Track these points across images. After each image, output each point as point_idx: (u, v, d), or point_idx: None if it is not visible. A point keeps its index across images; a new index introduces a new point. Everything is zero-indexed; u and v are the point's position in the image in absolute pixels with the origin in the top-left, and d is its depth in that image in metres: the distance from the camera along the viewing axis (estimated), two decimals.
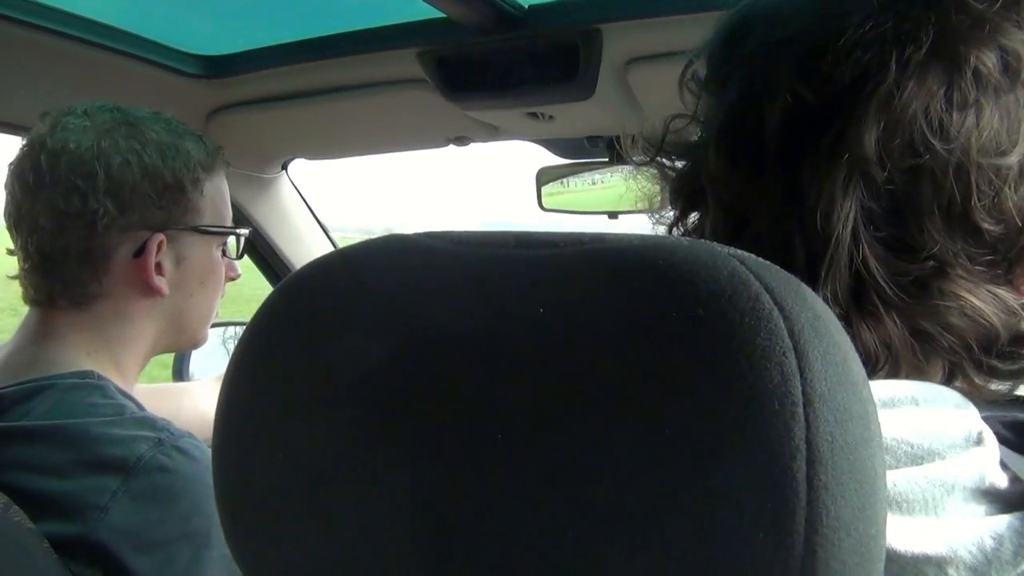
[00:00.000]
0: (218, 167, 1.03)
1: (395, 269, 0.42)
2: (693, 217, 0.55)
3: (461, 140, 1.58)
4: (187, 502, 0.83)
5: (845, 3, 0.47)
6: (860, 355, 0.45)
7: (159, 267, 0.97)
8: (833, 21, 0.46)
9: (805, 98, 0.46)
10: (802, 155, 0.46)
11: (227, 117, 1.58)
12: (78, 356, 0.94)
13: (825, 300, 0.44)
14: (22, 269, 0.96)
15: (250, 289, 1.48)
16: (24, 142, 0.96)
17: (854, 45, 0.45)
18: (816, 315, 0.32)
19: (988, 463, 0.43)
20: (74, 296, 0.95)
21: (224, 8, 1.50)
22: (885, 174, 0.45)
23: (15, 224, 0.95)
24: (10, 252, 0.98)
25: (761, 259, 0.34)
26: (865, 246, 0.45)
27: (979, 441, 0.43)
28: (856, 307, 0.46)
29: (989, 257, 0.47)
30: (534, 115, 1.36)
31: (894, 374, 0.47)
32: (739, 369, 0.30)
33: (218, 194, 1.04)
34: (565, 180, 1.62)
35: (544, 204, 1.65)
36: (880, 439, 0.33)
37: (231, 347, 1.72)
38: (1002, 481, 0.43)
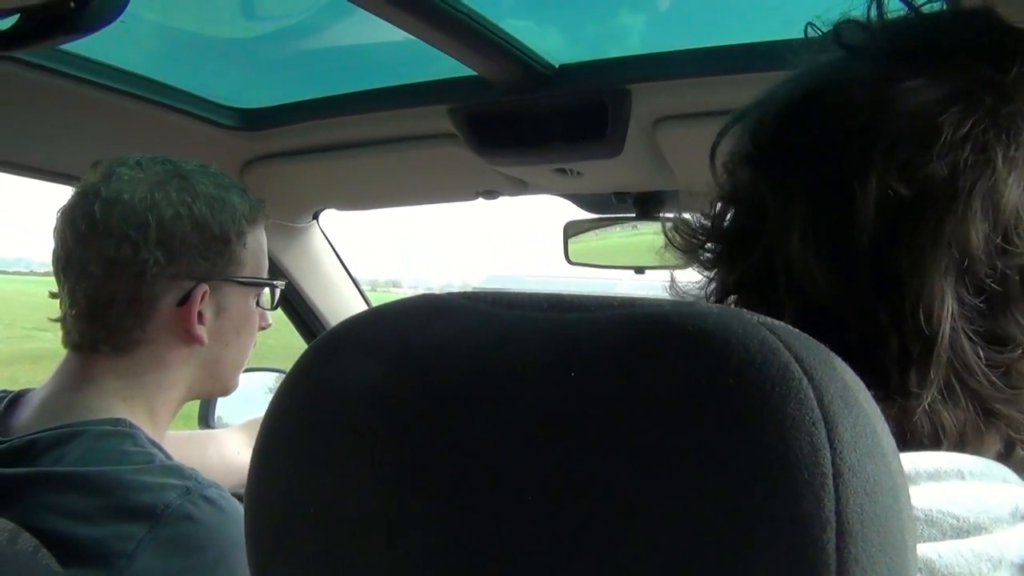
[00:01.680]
0: (259, 220, 1.06)
1: (429, 328, 0.43)
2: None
3: (490, 194, 1.60)
4: (212, 552, 0.84)
5: (924, 92, 0.47)
6: (937, 436, 0.45)
7: (200, 316, 0.99)
8: (921, 114, 0.46)
9: (900, 191, 0.46)
10: (897, 247, 0.46)
11: (262, 168, 1.61)
12: (114, 402, 0.95)
13: (933, 400, 0.45)
14: (67, 314, 0.98)
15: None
16: (76, 190, 0.98)
17: (956, 143, 0.45)
18: (845, 385, 0.32)
19: None
20: (117, 342, 0.96)
21: (261, 63, 1.54)
22: (989, 270, 0.45)
23: (63, 269, 0.97)
24: (52, 295, 1.00)
25: (791, 328, 0.34)
26: (964, 341, 0.45)
27: None
28: (946, 400, 0.46)
29: None
30: (563, 171, 1.38)
31: (959, 451, 0.47)
32: (769, 439, 0.30)
33: (258, 246, 1.06)
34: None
35: (571, 258, 1.65)
36: (910, 512, 0.33)
37: (258, 392, 1.73)
38: None
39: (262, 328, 1.11)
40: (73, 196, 0.98)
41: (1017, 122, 0.46)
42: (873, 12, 0.53)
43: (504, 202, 1.63)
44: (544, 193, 1.60)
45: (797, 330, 0.34)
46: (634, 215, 1.55)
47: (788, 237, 0.49)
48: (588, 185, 1.47)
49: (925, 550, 0.40)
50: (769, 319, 0.34)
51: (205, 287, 0.99)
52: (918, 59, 0.49)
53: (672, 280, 0.59)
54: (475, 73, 1.21)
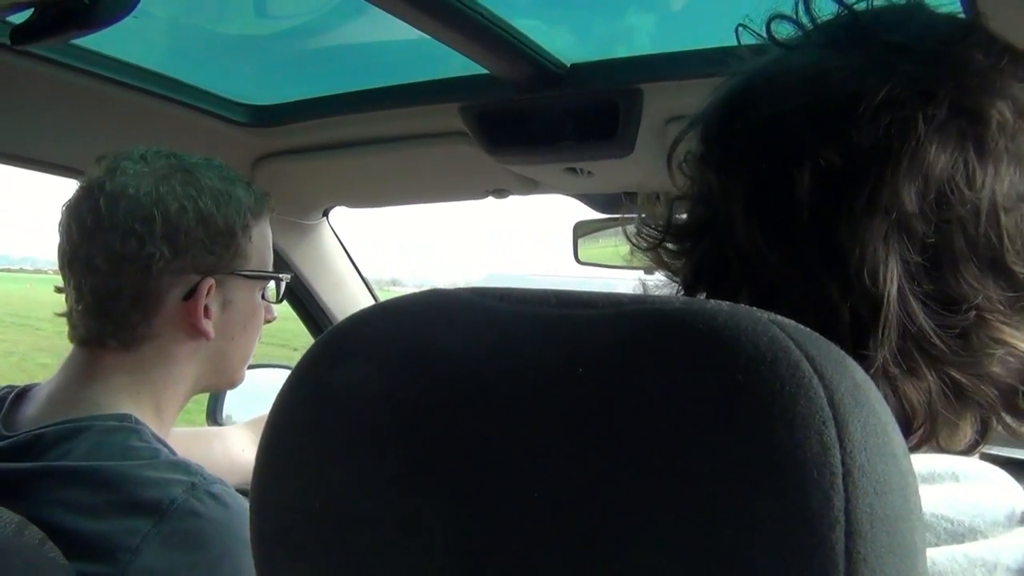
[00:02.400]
0: (264, 213, 1.06)
1: (437, 323, 0.43)
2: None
3: (500, 193, 1.60)
4: (217, 549, 0.84)
5: (848, 68, 0.49)
6: (905, 413, 0.45)
7: (206, 310, 0.99)
8: (844, 87, 0.48)
9: (832, 162, 0.47)
10: (837, 217, 0.47)
11: (272, 165, 1.62)
12: (120, 398, 0.95)
13: (884, 363, 0.45)
14: (74, 309, 0.98)
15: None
16: (81, 184, 0.98)
17: (877, 108, 0.46)
18: (856, 384, 0.32)
19: None
20: (123, 337, 0.96)
21: (273, 59, 1.54)
22: (926, 228, 0.46)
23: (68, 263, 0.97)
24: (58, 290, 1.01)
25: (801, 326, 0.34)
26: (912, 302, 0.45)
27: None
28: (903, 365, 0.46)
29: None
30: (573, 170, 1.38)
31: (932, 432, 0.47)
32: (778, 437, 0.30)
33: (263, 240, 1.06)
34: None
35: (580, 258, 1.65)
36: (920, 512, 0.32)
37: (267, 390, 1.73)
38: None
39: (267, 321, 1.11)
40: (78, 190, 0.98)
41: (934, 84, 0.47)
42: (803, 14, 0.55)
43: (506, 201, 1.63)
44: (555, 192, 1.60)
45: (807, 329, 0.34)
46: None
47: (733, 220, 0.51)
48: (599, 185, 1.47)
49: None
50: (780, 317, 0.34)
51: (211, 281, 0.99)
52: (846, 45, 0.51)
53: (643, 285, 0.60)
54: (486, 71, 1.21)
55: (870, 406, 0.32)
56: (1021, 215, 0.47)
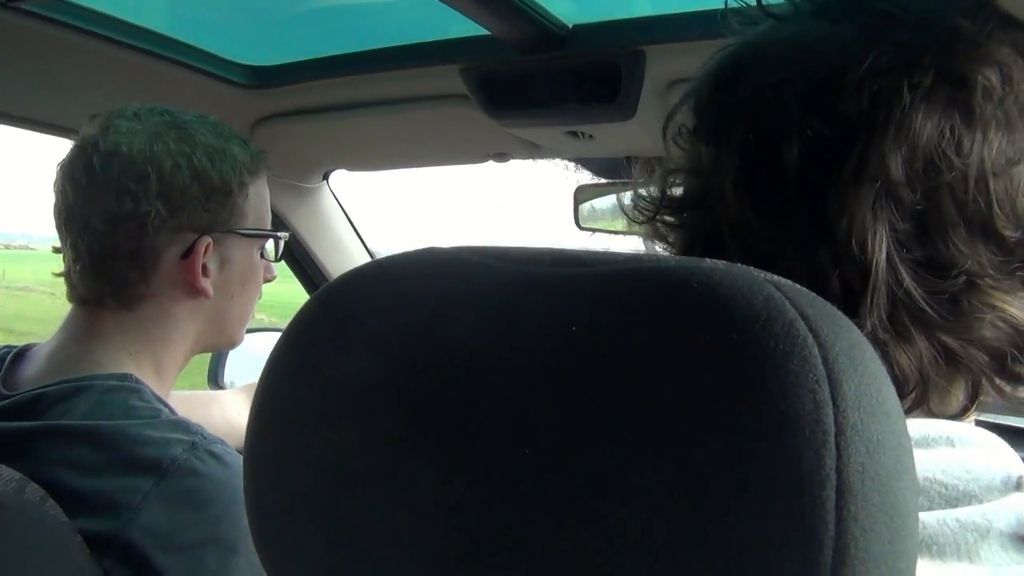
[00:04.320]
0: (261, 171, 1.05)
1: (431, 282, 0.43)
2: None
3: (501, 156, 1.59)
4: (217, 507, 0.84)
5: (836, 39, 0.49)
6: (896, 379, 0.45)
7: (204, 269, 0.99)
8: (831, 57, 0.48)
9: (820, 132, 0.47)
10: (825, 187, 0.47)
11: (272, 127, 1.61)
12: (120, 357, 0.95)
13: (873, 329, 0.44)
14: (72, 268, 0.98)
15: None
16: (74, 143, 0.98)
17: (862, 78, 0.46)
18: (852, 344, 0.32)
19: None
20: (122, 296, 0.96)
21: (272, 20, 1.53)
22: (913, 195, 0.45)
23: (65, 223, 0.97)
24: (56, 250, 1.00)
25: (798, 286, 0.33)
26: (901, 269, 0.45)
27: (1019, 486, 0.42)
28: (892, 331, 0.46)
29: (1015, 264, 0.47)
30: (574, 134, 1.37)
31: (923, 396, 0.47)
32: (771, 395, 0.30)
33: (260, 198, 1.06)
34: None
35: (581, 223, 1.64)
36: (914, 473, 0.32)
37: (267, 353, 1.73)
38: None
39: (267, 280, 1.11)
40: (72, 149, 0.97)
41: (920, 52, 0.47)
42: None
43: (493, 173, 1.63)
44: (555, 157, 1.59)
45: (804, 288, 0.33)
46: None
47: (724, 193, 0.51)
48: (600, 149, 1.46)
49: None
50: (777, 277, 0.34)
51: (208, 239, 0.98)
52: (836, 14, 0.51)
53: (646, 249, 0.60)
54: (488, 32, 1.20)
55: (865, 366, 0.31)
56: (1010, 179, 0.47)
